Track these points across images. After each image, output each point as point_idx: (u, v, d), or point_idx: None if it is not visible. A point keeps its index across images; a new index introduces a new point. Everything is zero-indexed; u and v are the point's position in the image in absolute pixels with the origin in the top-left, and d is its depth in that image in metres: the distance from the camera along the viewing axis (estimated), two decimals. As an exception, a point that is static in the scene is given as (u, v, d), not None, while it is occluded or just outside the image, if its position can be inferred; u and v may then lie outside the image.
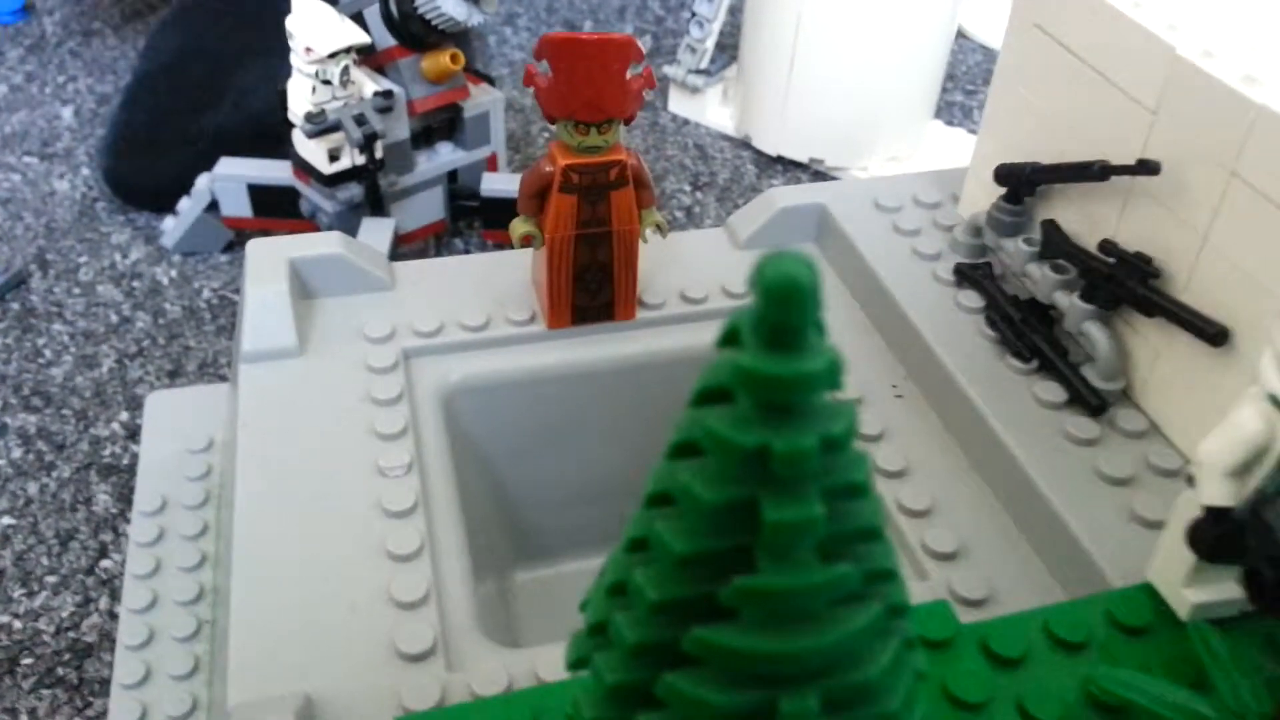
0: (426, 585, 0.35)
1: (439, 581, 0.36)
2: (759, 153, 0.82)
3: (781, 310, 0.18)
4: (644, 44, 0.99)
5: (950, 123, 0.88)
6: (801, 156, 0.81)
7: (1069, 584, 0.36)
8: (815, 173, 0.81)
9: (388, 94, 0.61)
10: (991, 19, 1.04)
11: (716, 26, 0.82)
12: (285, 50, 0.60)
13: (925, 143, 0.83)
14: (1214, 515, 0.29)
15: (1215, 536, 0.29)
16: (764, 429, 0.19)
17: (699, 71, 0.84)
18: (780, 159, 0.82)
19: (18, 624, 0.47)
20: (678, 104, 0.87)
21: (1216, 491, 0.29)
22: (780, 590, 0.19)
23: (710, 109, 0.86)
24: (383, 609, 0.35)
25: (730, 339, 0.19)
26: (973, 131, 0.87)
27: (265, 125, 0.65)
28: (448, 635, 0.34)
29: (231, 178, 0.67)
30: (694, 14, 0.83)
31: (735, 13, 0.84)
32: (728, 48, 0.88)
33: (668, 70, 0.86)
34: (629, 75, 0.40)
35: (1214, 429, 0.29)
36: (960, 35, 1.02)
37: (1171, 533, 0.31)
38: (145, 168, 0.72)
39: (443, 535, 0.38)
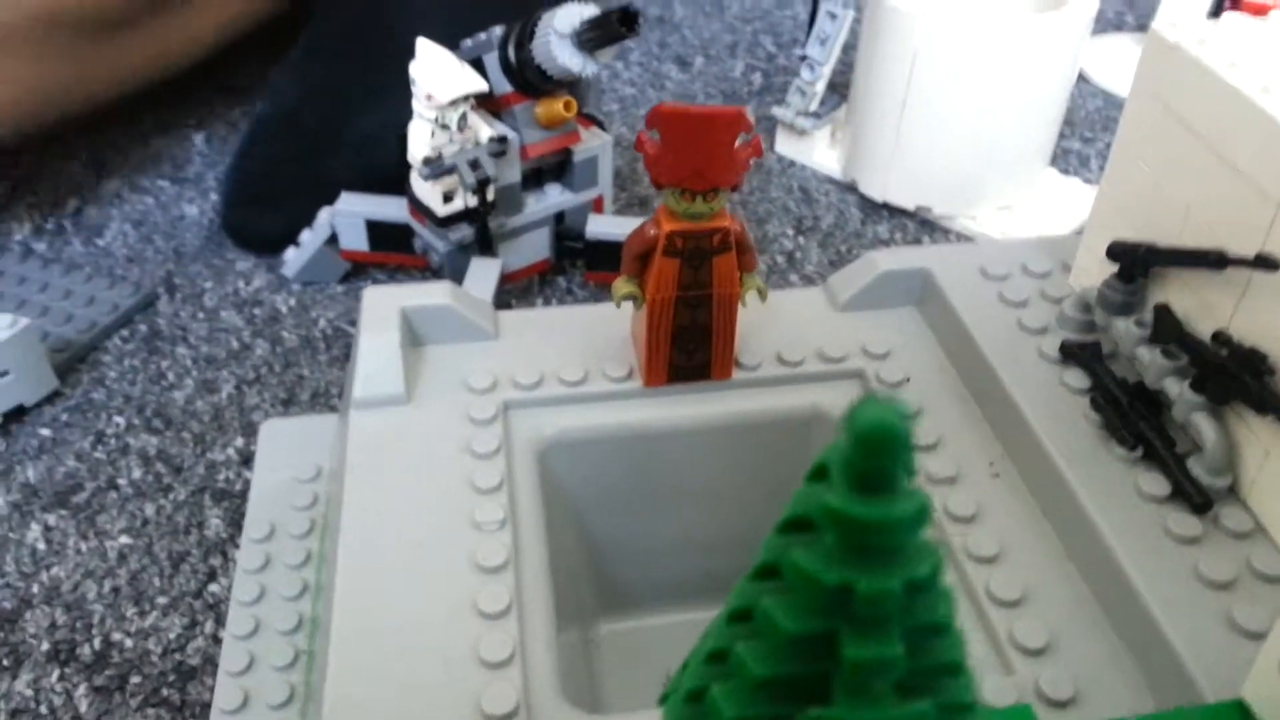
0: (513, 645, 0.36)
1: (524, 641, 0.37)
2: (865, 198, 0.82)
3: (872, 456, 0.18)
4: (753, 81, 1.00)
5: (1065, 171, 0.86)
6: (909, 204, 0.80)
7: (1159, 689, 0.35)
8: (922, 220, 0.80)
9: (502, 139, 0.63)
10: (1114, 62, 1.01)
11: (828, 70, 0.82)
12: (407, 93, 0.62)
13: (1038, 192, 0.81)
14: (1320, 644, 0.28)
15: (1320, 668, 0.28)
16: (848, 567, 0.19)
17: (808, 114, 0.84)
18: (886, 205, 0.81)
19: (129, 642, 0.50)
20: (784, 145, 0.87)
21: (1324, 622, 0.28)
22: (856, 726, 0.20)
23: (817, 151, 0.86)
24: (470, 667, 0.36)
25: (819, 475, 0.20)
26: (1089, 181, 0.84)
27: (385, 173, 0.67)
28: (530, 698, 0.35)
29: (351, 213, 0.70)
30: (805, 56, 0.83)
31: (849, 50, 0.84)
32: (838, 86, 0.88)
33: (776, 111, 0.86)
34: (737, 145, 0.41)
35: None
36: (1081, 79, 1.00)
37: (1270, 652, 0.30)
38: (261, 216, 0.75)
39: (531, 592, 0.39)
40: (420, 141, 0.63)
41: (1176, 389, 0.40)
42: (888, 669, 0.20)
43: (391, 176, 0.67)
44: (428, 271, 0.71)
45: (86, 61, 0.78)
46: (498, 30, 0.65)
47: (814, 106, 0.84)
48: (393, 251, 0.71)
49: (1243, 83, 0.39)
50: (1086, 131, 0.92)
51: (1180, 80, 0.42)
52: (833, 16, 0.81)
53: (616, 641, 0.49)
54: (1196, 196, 0.41)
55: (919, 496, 0.19)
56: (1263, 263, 0.37)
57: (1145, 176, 0.45)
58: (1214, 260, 0.39)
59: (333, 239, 0.71)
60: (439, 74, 0.61)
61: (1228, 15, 0.44)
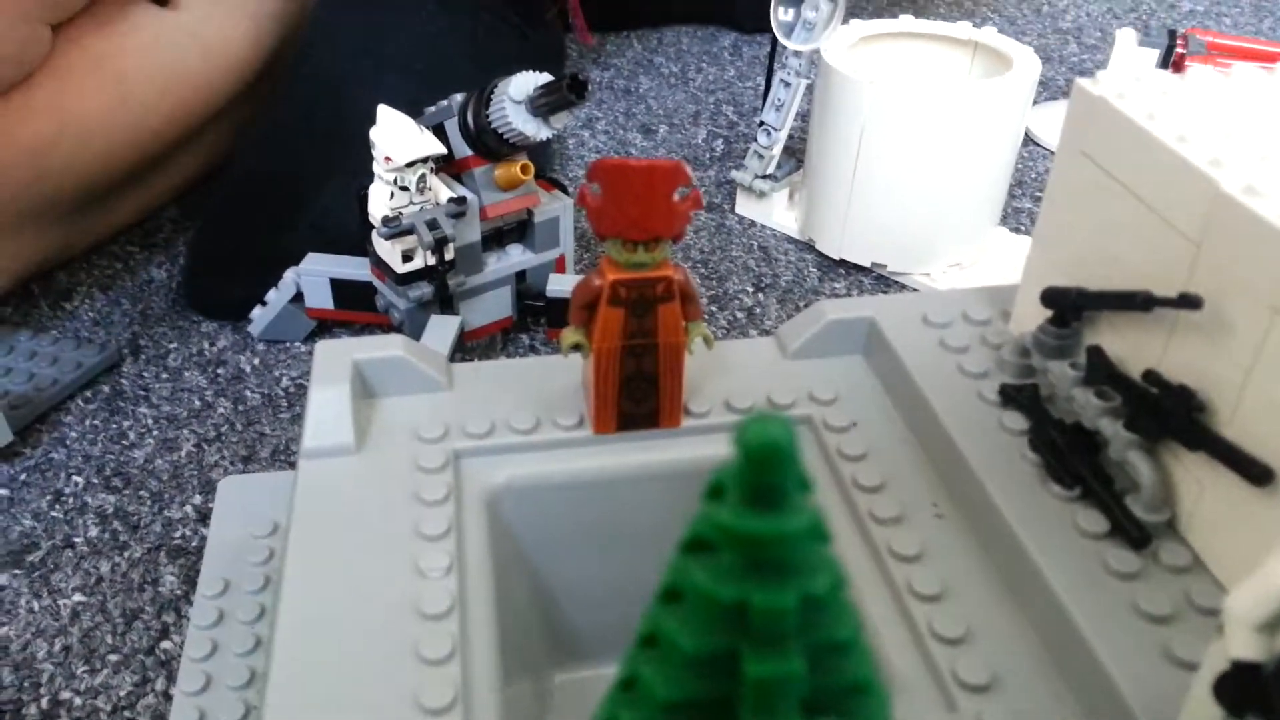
0: (454, 691, 0.36)
1: (467, 687, 0.37)
2: (822, 256, 0.84)
3: (761, 471, 0.19)
4: (715, 148, 1.02)
5: (1017, 230, 0.88)
6: (864, 261, 0.81)
7: (1102, 724, 0.35)
8: (877, 276, 0.82)
9: (461, 200, 0.64)
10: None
11: (783, 135, 0.84)
12: (364, 169, 0.64)
13: (989, 250, 0.83)
14: (1241, 669, 0.28)
15: (1241, 691, 0.28)
16: (744, 583, 0.19)
17: (765, 177, 0.86)
18: (843, 262, 0.83)
19: (78, 700, 0.49)
20: (744, 207, 0.89)
21: (1244, 645, 0.28)
22: (759, 743, 0.20)
23: (776, 211, 0.88)
24: (411, 714, 0.35)
25: (715, 493, 0.20)
26: (1043, 238, 0.86)
27: (340, 247, 0.69)
28: (473, 743, 0.35)
29: (316, 273, 0.71)
30: (762, 122, 0.85)
31: (805, 117, 0.86)
32: (796, 151, 0.90)
33: (735, 175, 0.88)
34: (676, 197, 0.42)
35: (1246, 579, 0.29)
36: (1031, 142, 1.02)
37: (1202, 681, 0.30)
38: (220, 287, 0.76)
39: (476, 639, 0.39)
40: (380, 202, 0.64)
41: (1112, 428, 0.41)
42: (789, 686, 0.20)
43: (348, 245, 0.68)
44: (390, 329, 0.72)
45: (73, 231, 0.80)
46: (458, 98, 0.67)
47: (771, 169, 0.86)
48: (357, 309, 0.72)
49: (1161, 132, 0.40)
50: (1037, 191, 0.94)
51: (1103, 131, 0.43)
52: (786, 84, 0.83)
53: (571, 691, 0.49)
54: (1123, 241, 0.43)
55: (811, 511, 0.19)
56: (1186, 302, 0.38)
57: (1075, 225, 0.46)
58: (1141, 302, 0.40)
59: (298, 297, 0.72)
60: (396, 137, 0.62)
61: (1151, 71, 0.45)
